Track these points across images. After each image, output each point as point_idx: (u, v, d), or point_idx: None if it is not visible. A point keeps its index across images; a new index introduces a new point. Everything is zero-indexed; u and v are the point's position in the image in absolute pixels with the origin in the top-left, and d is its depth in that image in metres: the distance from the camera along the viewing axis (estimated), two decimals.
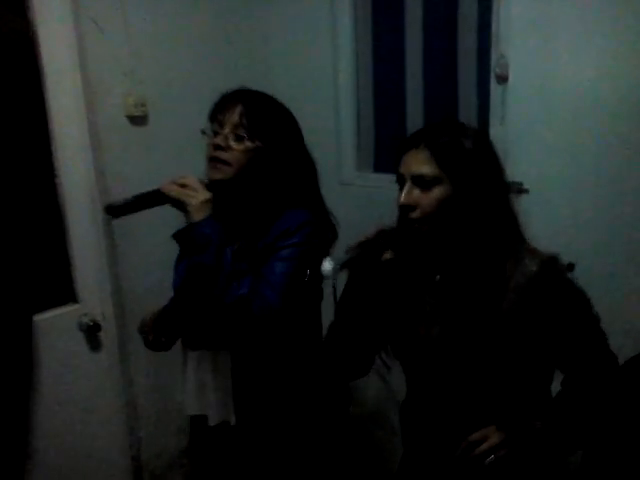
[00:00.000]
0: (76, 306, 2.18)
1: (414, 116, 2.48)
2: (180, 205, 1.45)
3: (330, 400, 1.66)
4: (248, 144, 1.48)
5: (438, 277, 1.31)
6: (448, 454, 1.29)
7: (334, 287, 1.25)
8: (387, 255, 1.25)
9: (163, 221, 2.27)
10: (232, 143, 1.48)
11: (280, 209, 1.50)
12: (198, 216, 1.43)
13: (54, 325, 2.10)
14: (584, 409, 1.29)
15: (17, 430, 2.02)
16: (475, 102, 2.28)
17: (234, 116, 1.49)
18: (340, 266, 1.20)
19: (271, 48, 2.63)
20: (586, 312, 1.30)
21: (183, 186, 1.44)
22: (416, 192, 1.23)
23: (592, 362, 1.30)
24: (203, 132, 1.55)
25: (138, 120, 2.25)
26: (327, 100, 2.59)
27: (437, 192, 1.22)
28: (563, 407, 1.30)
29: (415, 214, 1.23)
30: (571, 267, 1.31)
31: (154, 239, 2.31)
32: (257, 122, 1.49)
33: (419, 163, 1.22)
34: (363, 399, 2.47)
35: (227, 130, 1.49)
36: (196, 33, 2.39)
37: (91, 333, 2.19)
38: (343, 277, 1.27)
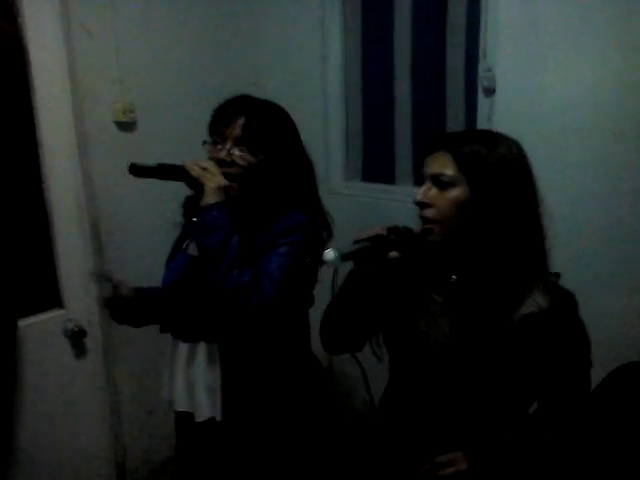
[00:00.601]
0: (61, 311, 2.17)
1: (402, 127, 2.51)
2: (197, 185, 1.48)
3: (317, 397, 1.67)
4: (251, 158, 1.50)
5: (454, 277, 1.31)
6: (417, 454, 1.31)
7: (334, 275, 1.26)
8: (393, 254, 1.26)
9: (149, 228, 2.29)
10: (236, 158, 1.50)
11: (280, 211, 1.53)
12: (212, 199, 1.45)
13: (39, 330, 2.10)
14: (533, 448, 1.30)
15: None
16: (463, 114, 2.30)
17: (236, 130, 1.50)
18: (344, 256, 1.19)
19: (260, 57, 2.65)
20: (582, 356, 1.30)
21: (204, 169, 1.47)
22: (433, 191, 1.25)
23: (566, 404, 1.30)
24: (205, 143, 1.55)
25: (126, 126, 2.25)
26: (316, 110, 2.61)
27: (454, 193, 1.22)
28: (512, 441, 1.30)
29: (429, 212, 1.24)
30: (556, 277, 1.32)
31: (140, 245, 2.32)
32: (259, 136, 1.50)
33: (439, 164, 1.24)
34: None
35: (229, 145, 1.50)
36: (185, 41, 2.40)
37: (76, 339, 2.18)
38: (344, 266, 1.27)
